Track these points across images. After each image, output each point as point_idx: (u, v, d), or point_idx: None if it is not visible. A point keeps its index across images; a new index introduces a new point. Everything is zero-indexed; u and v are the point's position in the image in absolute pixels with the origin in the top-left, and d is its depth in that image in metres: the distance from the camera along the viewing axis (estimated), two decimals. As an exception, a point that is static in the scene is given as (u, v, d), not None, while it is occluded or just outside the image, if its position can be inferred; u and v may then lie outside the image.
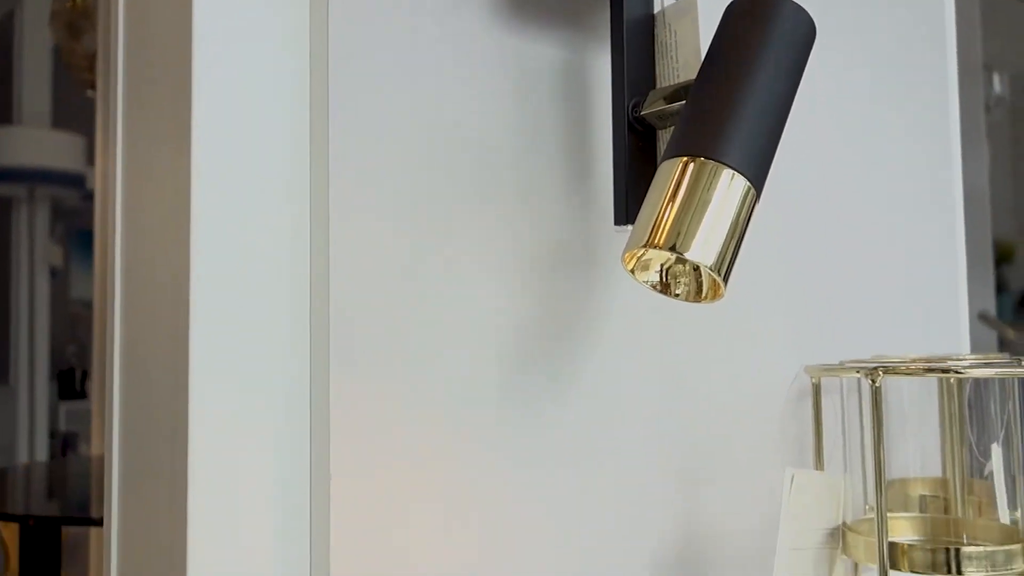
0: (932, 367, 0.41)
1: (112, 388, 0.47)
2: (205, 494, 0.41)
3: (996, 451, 0.48)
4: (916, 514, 0.48)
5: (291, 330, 0.44)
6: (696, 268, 0.40)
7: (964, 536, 0.46)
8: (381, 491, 0.44)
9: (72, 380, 3.22)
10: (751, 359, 0.58)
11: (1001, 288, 3.33)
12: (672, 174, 0.39)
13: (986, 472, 0.51)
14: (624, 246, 0.39)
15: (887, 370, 0.40)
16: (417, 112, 0.46)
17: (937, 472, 0.61)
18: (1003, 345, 2.80)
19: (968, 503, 0.50)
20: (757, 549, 0.57)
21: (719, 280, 0.38)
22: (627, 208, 0.48)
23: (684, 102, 0.45)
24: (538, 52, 0.50)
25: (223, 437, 0.42)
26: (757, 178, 0.39)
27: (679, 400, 0.53)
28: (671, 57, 0.48)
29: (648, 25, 0.49)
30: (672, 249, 0.37)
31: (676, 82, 0.47)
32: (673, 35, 0.48)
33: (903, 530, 0.47)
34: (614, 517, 0.50)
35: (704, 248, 0.37)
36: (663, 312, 0.52)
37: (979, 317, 2.35)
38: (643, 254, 0.39)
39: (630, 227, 0.48)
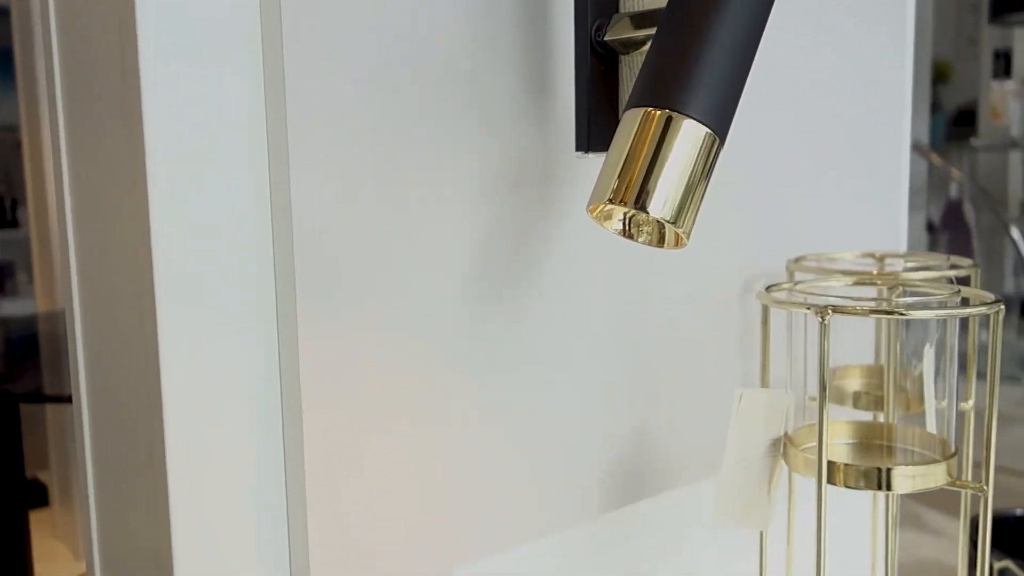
0: (878, 308, 0.43)
1: (74, 322, 0.47)
2: (181, 452, 0.42)
3: (928, 352, 0.52)
4: (851, 420, 0.51)
5: (256, 264, 0.44)
6: (660, 218, 0.40)
7: (895, 440, 0.50)
8: (352, 411, 0.45)
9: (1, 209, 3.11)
10: (705, 265, 0.60)
11: (936, 108, 3.37)
12: (635, 124, 0.38)
13: (916, 372, 0.54)
14: (589, 196, 0.39)
15: (836, 309, 0.42)
16: (374, 34, 0.44)
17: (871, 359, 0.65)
18: (932, 172, 2.88)
19: (898, 401, 0.54)
20: (706, 461, 0.61)
21: (682, 234, 0.38)
22: (588, 135, 0.47)
23: (651, 33, 0.44)
24: (496, -37, 0.47)
25: (193, 375, 0.42)
26: (722, 126, 0.39)
27: (634, 311, 0.55)
28: (635, -26, 0.46)
29: (612, -65, 0.46)
30: (636, 206, 0.37)
31: (642, 6, 0.46)
32: (638, -50, 0.46)
33: (838, 433, 0.51)
34: (569, 426, 0.53)
35: (667, 204, 0.37)
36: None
37: (913, 147, 2.39)
38: (607, 206, 0.39)
39: (591, 155, 0.48)
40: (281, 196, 0.43)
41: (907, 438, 0.49)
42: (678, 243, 0.40)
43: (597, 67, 0.47)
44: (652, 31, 0.43)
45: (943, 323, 0.49)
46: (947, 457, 0.46)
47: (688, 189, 0.38)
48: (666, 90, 0.38)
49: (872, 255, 0.64)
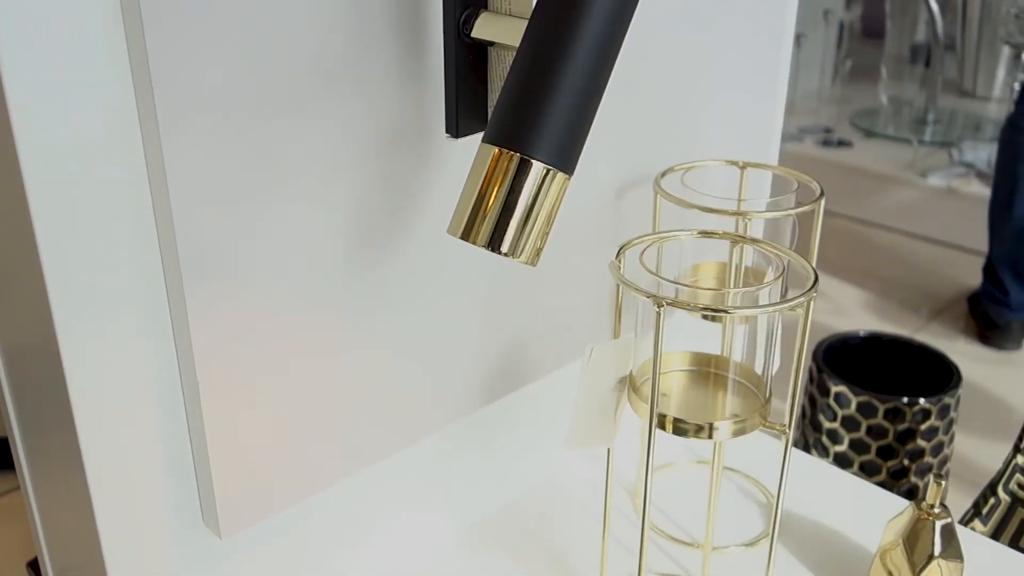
0: (708, 309, 0.49)
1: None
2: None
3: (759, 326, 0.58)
4: (689, 352, 0.59)
5: (142, 252, 0.46)
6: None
7: (726, 370, 0.58)
8: (241, 354, 0.50)
9: None
10: (579, 171, 0.64)
11: None
12: (488, 162, 0.41)
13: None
14: (447, 225, 0.43)
15: (671, 303, 0.47)
16: (246, 12, 0.44)
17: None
18: None
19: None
20: (566, 351, 0.68)
21: (530, 264, 0.42)
22: (457, 120, 0.49)
23: (510, 46, 0.45)
24: (363, -65, 0.46)
25: (93, 337, 0.46)
26: (570, 162, 0.42)
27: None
28: (503, -34, 0.46)
29: (481, -79, 0.46)
30: (488, 247, 0.41)
31: (509, 2, 0.46)
32: (506, -58, 0.45)
33: (675, 363, 0.58)
34: (440, 341, 0.59)
35: (517, 246, 0.41)
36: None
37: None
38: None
39: (459, 140, 0.50)
40: (158, 182, 0.44)
41: (736, 370, 0.57)
42: (533, 263, 0.44)
43: (465, 55, 0.48)
44: (512, 43, 0.44)
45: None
46: (761, 406, 0.54)
47: (540, 227, 0.42)
48: (519, 133, 0.40)
49: (736, 163, 0.69)
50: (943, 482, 0.59)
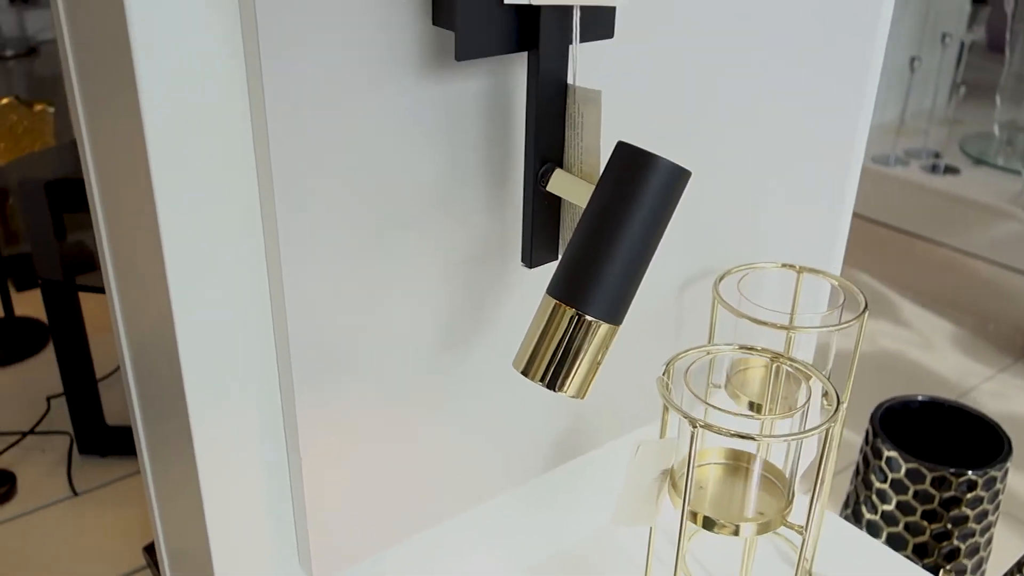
0: (738, 435, 0.56)
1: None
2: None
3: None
4: (723, 448, 0.66)
5: (261, 340, 0.57)
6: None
7: (754, 466, 0.65)
8: (342, 429, 0.60)
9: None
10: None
11: None
12: (548, 312, 0.49)
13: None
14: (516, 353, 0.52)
15: (704, 425, 0.55)
16: (360, 158, 0.53)
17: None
18: None
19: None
20: (624, 422, 0.76)
21: (580, 398, 0.51)
22: (531, 253, 0.58)
23: (578, 207, 0.53)
24: (467, 99, 0.55)
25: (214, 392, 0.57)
26: (617, 315, 0.50)
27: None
28: (578, 134, 0.54)
29: (561, 92, 0.54)
30: (544, 384, 0.50)
31: (581, 164, 0.54)
32: (580, 115, 0.54)
33: (713, 456, 0.66)
34: (517, 420, 0.68)
35: (570, 385, 0.50)
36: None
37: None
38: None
39: (532, 269, 0.59)
40: (277, 296, 0.54)
41: (765, 468, 0.64)
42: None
43: (541, 201, 0.56)
44: (579, 203, 0.52)
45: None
46: (784, 507, 0.61)
47: (588, 370, 0.50)
48: (576, 293, 0.49)
49: (793, 267, 0.75)
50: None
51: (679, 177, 0.49)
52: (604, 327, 0.49)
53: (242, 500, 0.60)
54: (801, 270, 0.75)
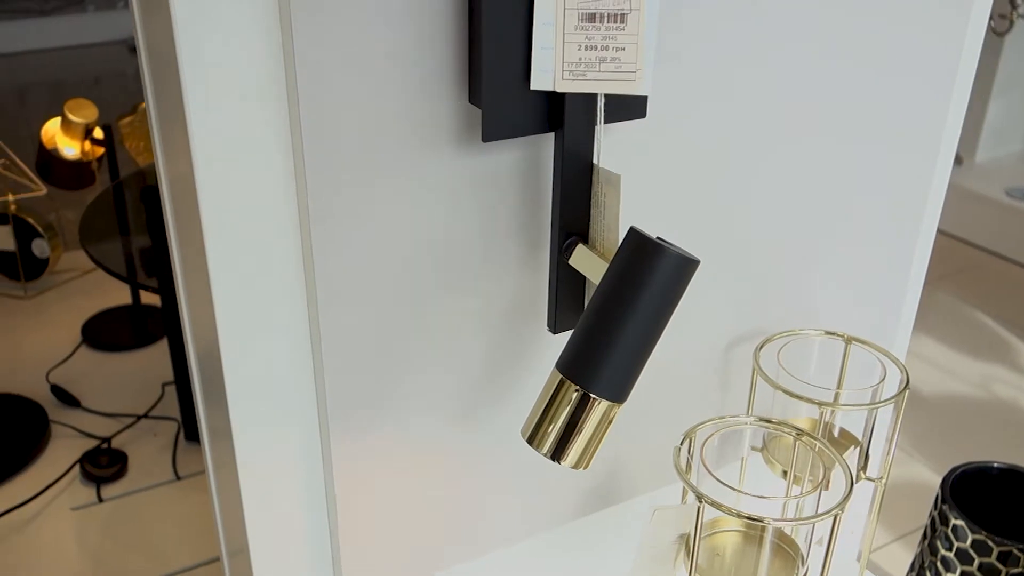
0: (746, 516, 0.56)
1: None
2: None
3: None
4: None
5: (302, 383, 0.61)
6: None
7: (767, 534, 0.65)
8: (375, 467, 0.64)
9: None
10: (694, 325, 0.72)
11: None
12: (554, 387, 0.52)
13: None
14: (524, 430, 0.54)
15: (711, 503, 0.56)
16: (398, 221, 0.57)
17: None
18: None
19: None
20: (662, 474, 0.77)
21: (582, 469, 0.53)
22: (555, 319, 0.60)
23: (593, 283, 0.55)
24: (501, 170, 0.58)
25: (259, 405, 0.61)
26: (621, 395, 0.52)
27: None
28: (601, 212, 0.56)
29: (587, 171, 0.56)
30: (548, 456, 0.52)
31: (603, 241, 0.56)
32: (603, 195, 0.55)
33: (730, 523, 0.66)
34: (549, 466, 0.71)
35: (568, 456, 0.52)
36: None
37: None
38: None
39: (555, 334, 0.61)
40: (318, 360, 0.58)
41: (782, 537, 0.65)
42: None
43: (566, 272, 0.58)
44: (595, 280, 0.54)
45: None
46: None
47: (589, 443, 0.52)
48: (581, 372, 0.51)
49: (840, 336, 0.74)
50: None
51: (686, 267, 0.50)
52: (606, 405, 0.51)
53: (282, 516, 0.65)
54: (849, 340, 0.74)
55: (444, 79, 0.53)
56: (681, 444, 0.62)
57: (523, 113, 0.53)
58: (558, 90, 0.52)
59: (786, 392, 0.67)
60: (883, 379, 0.70)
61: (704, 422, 0.63)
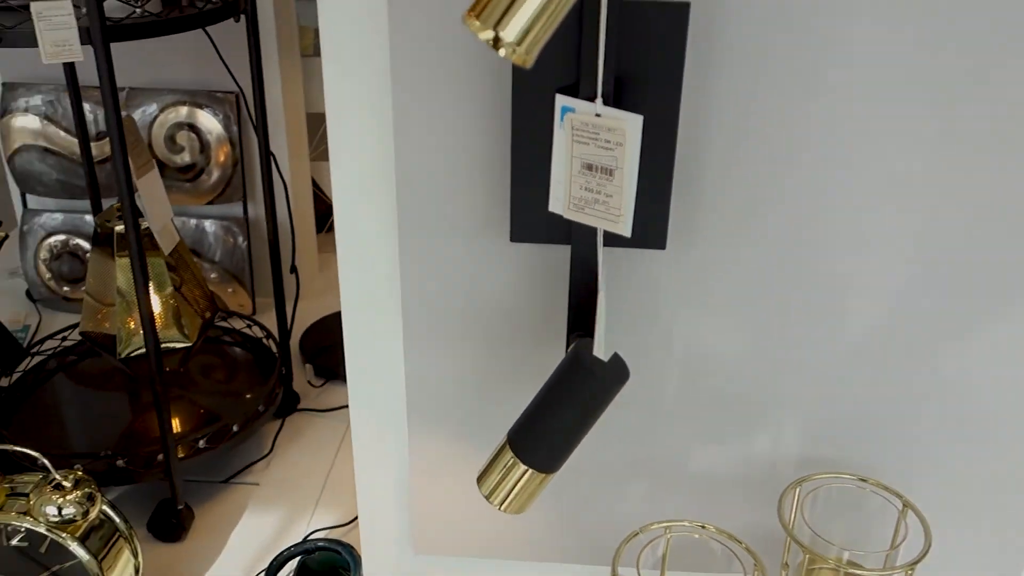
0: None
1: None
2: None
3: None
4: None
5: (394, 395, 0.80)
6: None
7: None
8: (441, 464, 0.81)
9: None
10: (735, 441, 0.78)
11: None
12: (500, 448, 0.65)
13: None
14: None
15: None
16: (468, 294, 0.73)
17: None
18: None
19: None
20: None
21: (517, 513, 0.66)
22: (565, 392, 0.72)
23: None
24: (539, 261, 0.71)
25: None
26: (548, 466, 0.63)
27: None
28: (599, 319, 0.67)
29: (591, 282, 0.67)
30: (487, 499, 0.66)
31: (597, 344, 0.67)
32: (601, 304, 0.66)
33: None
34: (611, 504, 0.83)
35: (505, 505, 0.65)
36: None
37: None
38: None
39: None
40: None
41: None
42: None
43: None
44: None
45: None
46: None
47: (523, 496, 0.65)
48: (519, 441, 0.64)
49: (864, 481, 0.75)
50: None
51: (614, 379, 0.60)
52: (533, 473, 0.64)
53: (381, 487, 0.86)
54: (876, 484, 0.74)
55: (496, 195, 0.68)
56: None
57: (543, 227, 0.66)
58: (565, 217, 0.64)
59: (797, 542, 0.71)
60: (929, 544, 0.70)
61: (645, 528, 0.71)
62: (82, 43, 1.15)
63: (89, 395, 1.68)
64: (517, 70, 0.62)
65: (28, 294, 2.09)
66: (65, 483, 1.21)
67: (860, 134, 0.63)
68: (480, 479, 0.66)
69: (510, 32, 0.47)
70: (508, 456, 0.64)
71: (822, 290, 0.70)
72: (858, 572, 0.71)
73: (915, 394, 0.74)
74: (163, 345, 1.55)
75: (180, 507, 1.46)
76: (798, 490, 0.74)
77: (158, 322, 1.53)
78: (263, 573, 1.23)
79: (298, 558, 1.27)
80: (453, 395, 0.76)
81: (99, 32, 1.13)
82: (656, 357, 0.73)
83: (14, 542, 1.21)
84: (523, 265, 0.71)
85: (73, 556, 1.20)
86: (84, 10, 1.13)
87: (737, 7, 0.60)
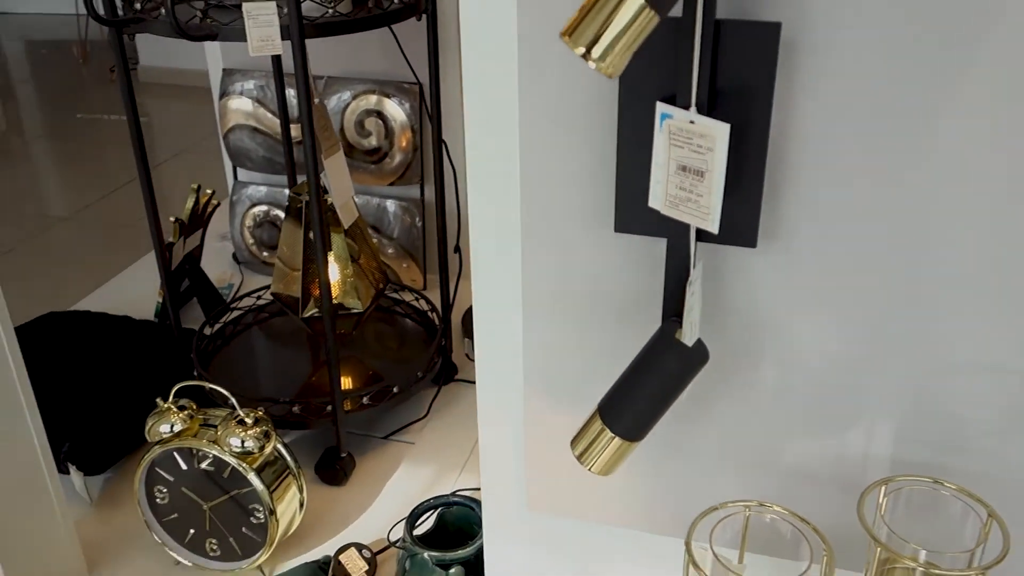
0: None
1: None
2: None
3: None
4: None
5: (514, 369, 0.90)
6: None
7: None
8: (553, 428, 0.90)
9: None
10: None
11: None
12: (590, 416, 0.73)
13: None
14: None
15: None
16: (569, 280, 0.81)
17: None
18: None
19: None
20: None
21: (604, 474, 0.73)
22: (660, 372, 0.79)
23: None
24: (641, 251, 0.78)
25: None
26: (633, 435, 0.70)
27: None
28: (690, 309, 0.73)
29: (684, 273, 0.73)
30: (579, 461, 0.73)
31: (688, 331, 0.74)
32: (692, 295, 0.73)
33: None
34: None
35: (593, 466, 0.73)
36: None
37: None
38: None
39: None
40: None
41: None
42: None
43: (668, 340, 0.77)
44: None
45: None
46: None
47: (611, 458, 0.72)
48: (607, 410, 0.71)
49: (939, 483, 0.76)
50: None
51: (695, 360, 0.67)
52: (619, 441, 0.71)
53: (501, 450, 0.96)
54: (959, 490, 0.76)
55: (604, 191, 0.75)
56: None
57: (644, 220, 0.73)
58: (663, 213, 0.71)
59: (875, 540, 0.75)
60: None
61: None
62: (282, 39, 1.31)
63: (276, 348, 1.89)
64: (624, 80, 0.69)
65: (234, 256, 2.35)
66: (247, 420, 1.39)
67: (946, 147, 0.65)
68: (573, 443, 0.75)
69: (596, 50, 0.55)
70: (597, 424, 0.72)
71: (914, 307, 0.73)
72: (936, 572, 0.73)
73: (1009, 406, 0.75)
74: (339, 311, 1.73)
75: (343, 455, 1.63)
76: (882, 489, 0.78)
77: (336, 289, 1.71)
78: (404, 520, 1.37)
79: (437, 510, 1.41)
80: (563, 369, 0.85)
81: (296, 29, 1.30)
82: (753, 348, 0.78)
83: (203, 465, 1.41)
84: (626, 254, 0.78)
85: (249, 484, 1.39)
86: (285, 10, 1.29)
87: (829, 28, 0.64)
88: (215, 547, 1.45)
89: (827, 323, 0.77)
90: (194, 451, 1.41)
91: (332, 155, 1.61)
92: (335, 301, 1.70)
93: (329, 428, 1.64)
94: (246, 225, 2.29)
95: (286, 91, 1.83)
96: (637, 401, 0.70)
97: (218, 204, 2.11)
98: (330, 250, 1.72)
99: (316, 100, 2.08)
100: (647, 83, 0.69)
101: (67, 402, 1.63)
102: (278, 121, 2.02)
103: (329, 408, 1.61)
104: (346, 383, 1.77)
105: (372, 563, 1.43)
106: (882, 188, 0.70)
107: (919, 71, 0.65)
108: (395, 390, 1.69)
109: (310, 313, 1.70)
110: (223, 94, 2.20)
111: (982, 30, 0.64)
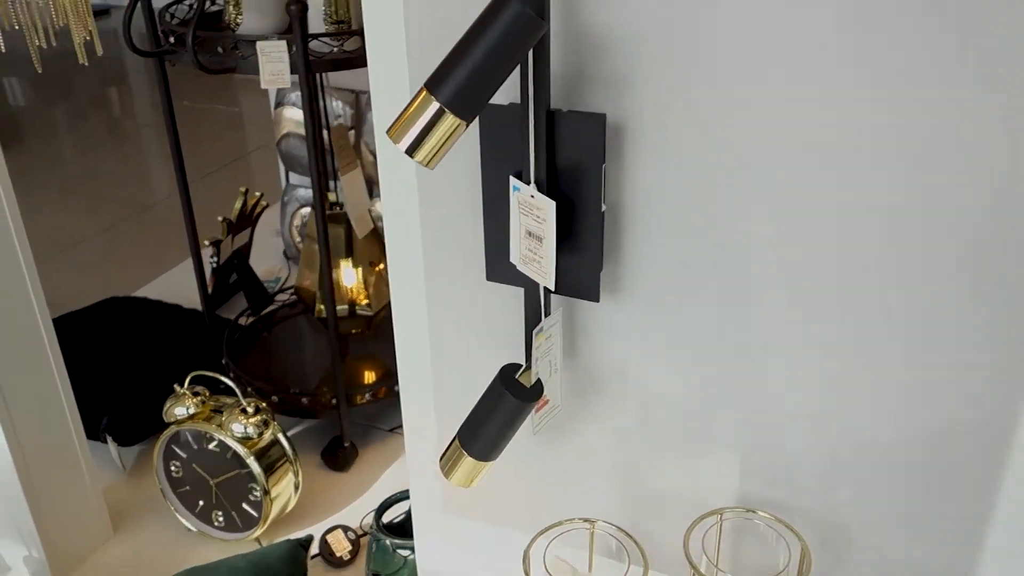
0: None
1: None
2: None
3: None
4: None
5: None
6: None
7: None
8: None
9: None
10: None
11: None
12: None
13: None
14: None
15: None
16: (460, 298, 0.94)
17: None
18: None
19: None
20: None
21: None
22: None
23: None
24: (504, 299, 0.90)
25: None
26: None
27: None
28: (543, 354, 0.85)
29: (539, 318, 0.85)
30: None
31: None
32: (547, 338, 0.84)
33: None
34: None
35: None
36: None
37: None
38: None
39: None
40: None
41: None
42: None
43: (532, 375, 0.89)
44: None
45: None
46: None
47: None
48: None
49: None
50: None
51: (530, 397, 0.79)
52: (472, 460, 0.84)
53: (423, 456, 1.09)
54: (769, 517, 0.85)
55: (477, 243, 0.88)
56: None
57: (509, 272, 0.85)
58: (519, 268, 0.83)
59: None
60: None
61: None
62: (292, 72, 1.47)
63: (300, 342, 2.07)
64: (485, 154, 0.81)
65: (284, 253, 2.55)
66: (249, 409, 1.57)
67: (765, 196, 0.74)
68: (440, 460, 0.87)
69: (410, 150, 0.67)
70: (456, 446, 0.84)
71: (742, 353, 0.83)
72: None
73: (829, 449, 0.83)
74: (357, 311, 1.89)
75: (346, 444, 1.80)
76: (710, 520, 0.87)
77: (352, 290, 1.87)
78: (374, 511, 1.52)
79: (407, 501, 1.55)
80: (462, 394, 0.98)
81: (303, 66, 1.45)
82: (610, 390, 0.89)
83: (211, 446, 1.59)
84: (498, 300, 0.90)
85: (248, 466, 1.56)
86: (295, 48, 1.45)
87: (647, 118, 0.74)
88: (220, 518, 1.64)
89: (672, 368, 0.87)
90: (204, 433, 1.59)
91: (349, 172, 1.77)
92: (353, 301, 1.86)
93: (336, 418, 1.80)
94: (294, 225, 2.48)
95: (326, 105, 2.00)
96: (486, 428, 0.82)
97: (267, 205, 2.31)
98: (351, 255, 1.89)
99: (338, 121, 2.24)
100: (505, 159, 0.81)
101: (109, 379, 1.85)
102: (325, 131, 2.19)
103: (334, 400, 1.78)
104: (360, 377, 1.93)
105: (356, 544, 1.59)
106: (707, 250, 0.80)
107: (725, 157, 0.75)
108: (397, 388, 1.84)
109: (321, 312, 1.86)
110: (278, 103, 2.39)
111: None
